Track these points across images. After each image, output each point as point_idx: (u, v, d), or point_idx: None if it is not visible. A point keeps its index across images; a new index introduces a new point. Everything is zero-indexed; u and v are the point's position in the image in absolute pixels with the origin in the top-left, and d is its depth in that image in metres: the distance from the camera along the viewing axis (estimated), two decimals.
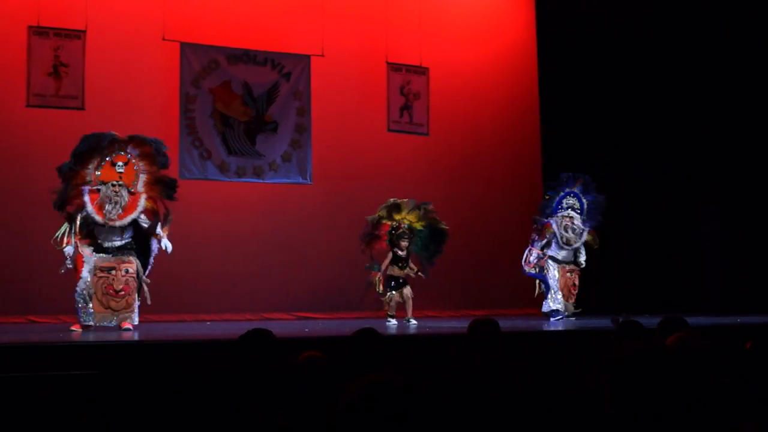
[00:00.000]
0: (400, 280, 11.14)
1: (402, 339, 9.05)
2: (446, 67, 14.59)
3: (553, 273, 12.32)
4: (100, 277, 9.17)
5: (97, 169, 9.36)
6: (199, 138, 12.86)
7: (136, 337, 9.05)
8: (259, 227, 13.37)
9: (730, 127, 15.28)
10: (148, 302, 9.73)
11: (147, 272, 9.72)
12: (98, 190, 9.22)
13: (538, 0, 15.66)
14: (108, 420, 2.73)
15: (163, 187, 9.73)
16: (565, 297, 12.32)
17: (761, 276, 14.62)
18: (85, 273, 9.19)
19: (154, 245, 9.67)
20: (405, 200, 11.46)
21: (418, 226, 11.42)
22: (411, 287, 11.14)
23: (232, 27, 13.43)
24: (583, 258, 12.46)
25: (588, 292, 14.39)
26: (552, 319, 12.19)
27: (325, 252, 12.84)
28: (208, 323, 12.18)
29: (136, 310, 9.50)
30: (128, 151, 9.50)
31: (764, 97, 14.79)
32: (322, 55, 13.42)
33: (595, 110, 15.35)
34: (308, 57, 13.48)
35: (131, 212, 9.31)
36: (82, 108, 11.99)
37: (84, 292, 9.17)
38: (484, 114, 15.06)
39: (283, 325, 11.61)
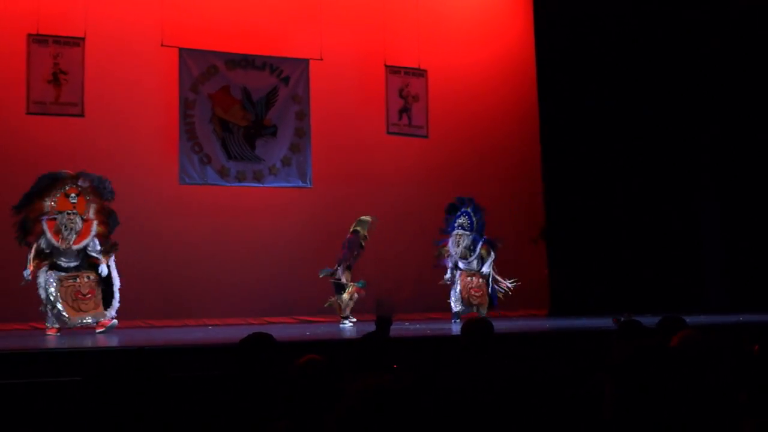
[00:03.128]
0: (345, 285, 12.14)
1: (402, 341, 9.04)
2: (445, 70, 14.61)
3: (456, 279, 13.13)
4: (67, 286, 10.34)
5: (52, 200, 10.50)
6: (198, 143, 12.88)
7: (116, 341, 9.51)
8: (260, 231, 13.40)
9: (729, 124, 15.30)
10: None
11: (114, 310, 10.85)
12: (55, 219, 10.38)
13: (536, 2, 15.68)
14: (105, 426, 2.73)
15: (108, 216, 10.89)
16: (466, 301, 13.05)
17: (762, 274, 14.63)
18: (42, 292, 10.31)
19: (111, 272, 10.81)
20: (366, 217, 12.58)
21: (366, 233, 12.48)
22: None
23: (230, 32, 13.46)
24: (485, 269, 13.20)
25: (588, 291, 14.44)
26: (453, 320, 12.98)
27: (326, 255, 12.82)
28: (211, 327, 12.20)
29: (110, 308, 10.70)
30: (79, 184, 10.71)
31: (766, 95, 14.81)
32: (321, 59, 13.44)
33: (594, 111, 15.36)
34: (307, 61, 13.50)
35: (86, 237, 10.53)
36: (81, 115, 12.01)
37: (45, 306, 10.30)
38: (483, 116, 15.08)
39: (285, 328, 11.64)
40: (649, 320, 5.57)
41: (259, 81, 13.38)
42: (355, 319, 12.08)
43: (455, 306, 13.03)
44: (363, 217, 12.57)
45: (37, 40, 11.81)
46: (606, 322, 10.06)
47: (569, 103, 15.40)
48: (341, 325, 11.99)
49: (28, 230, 10.48)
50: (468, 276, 13.10)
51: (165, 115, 13.02)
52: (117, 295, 10.87)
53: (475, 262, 13.17)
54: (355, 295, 12.17)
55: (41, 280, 10.35)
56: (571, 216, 15.17)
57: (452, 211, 13.38)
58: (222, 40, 13.32)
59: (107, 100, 12.68)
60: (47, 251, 10.42)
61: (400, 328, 11.03)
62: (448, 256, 13.22)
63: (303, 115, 13.51)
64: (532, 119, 15.50)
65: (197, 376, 6.45)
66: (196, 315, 12.80)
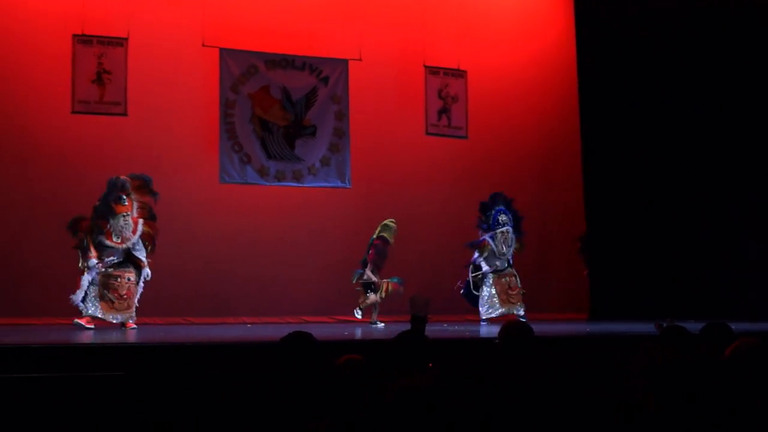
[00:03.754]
0: (376, 286, 12.28)
1: (439, 342, 9.04)
2: (484, 70, 14.56)
3: (489, 281, 13.07)
4: (110, 283, 10.85)
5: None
6: (238, 143, 12.95)
7: (134, 337, 9.75)
8: (299, 231, 13.45)
9: None
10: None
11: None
12: (107, 220, 10.92)
13: (577, 1, 15.58)
14: (146, 421, 2.77)
15: (149, 214, 11.37)
16: (503, 302, 13.02)
17: None
18: (84, 282, 10.75)
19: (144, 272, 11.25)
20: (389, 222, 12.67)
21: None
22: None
23: (270, 32, 13.52)
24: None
25: (629, 295, 14.31)
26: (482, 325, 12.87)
27: (364, 255, 12.84)
28: (249, 326, 12.27)
29: (134, 312, 11.05)
30: (126, 186, 11.17)
31: None
32: (360, 60, 13.46)
33: (637, 111, 15.18)
34: (346, 61, 13.53)
35: (133, 236, 11.06)
36: (124, 114, 12.14)
37: (79, 297, 10.69)
38: (523, 116, 15.02)
39: (323, 328, 11.67)
40: (692, 326, 5.51)
41: (299, 81, 13.42)
42: (381, 324, 12.15)
43: (492, 311, 12.96)
44: (389, 223, 12.60)
45: (82, 40, 11.96)
46: (647, 327, 9.99)
47: (611, 103, 15.26)
48: (372, 326, 12.12)
49: (80, 226, 10.94)
50: (502, 278, 13.07)
51: (206, 114, 13.11)
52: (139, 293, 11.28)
53: (503, 260, 13.14)
54: (392, 291, 12.26)
55: (84, 282, 10.75)
56: (612, 218, 15.06)
57: (487, 209, 13.29)
58: (262, 40, 13.39)
59: (150, 100, 12.79)
60: (98, 249, 10.89)
61: (438, 329, 11.03)
62: (481, 254, 13.12)
63: (342, 116, 13.54)
64: (572, 120, 15.40)
65: (236, 374, 6.49)
66: (234, 313, 12.87)
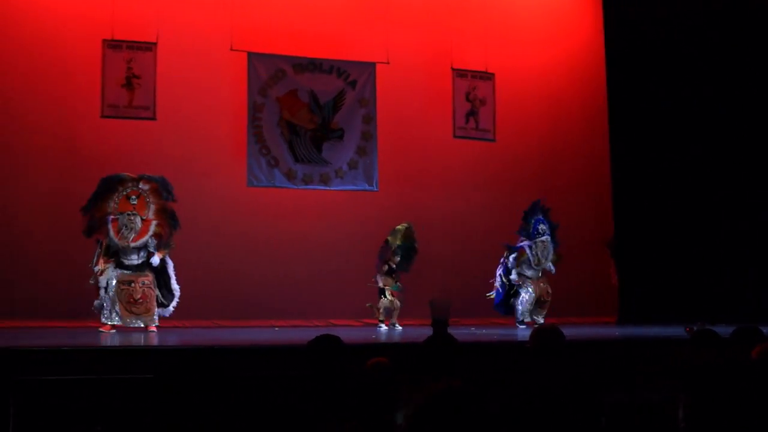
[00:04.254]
0: (392, 287, 12.26)
1: (468, 346, 9.01)
2: (512, 72, 14.53)
3: (528, 287, 13.01)
4: (122, 289, 10.86)
5: (115, 202, 11.01)
6: (266, 146, 12.99)
7: (156, 340, 9.88)
8: (326, 234, 13.46)
9: None
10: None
11: (174, 301, 11.42)
12: (117, 219, 10.92)
13: (606, 2, 15.49)
14: (175, 423, 2.77)
15: (168, 216, 11.30)
16: (542, 306, 13.09)
17: None
18: (100, 296, 10.85)
19: (168, 270, 11.37)
20: (402, 226, 12.60)
21: (399, 242, 12.47)
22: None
23: (298, 36, 13.56)
24: (553, 269, 13.20)
25: (659, 299, 14.19)
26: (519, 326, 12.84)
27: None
28: (277, 329, 12.29)
29: (156, 314, 11.06)
30: (139, 187, 11.15)
31: None
32: (388, 63, 13.47)
33: (666, 113, 15.04)
34: (373, 64, 13.54)
35: (144, 235, 11.02)
36: (153, 118, 12.22)
37: (101, 302, 10.82)
38: (551, 119, 14.96)
39: (350, 331, 11.66)
40: (723, 330, 5.46)
41: (327, 84, 13.45)
42: (384, 327, 12.20)
43: (525, 316, 12.93)
44: (397, 227, 12.59)
45: (112, 45, 12.05)
46: (678, 330, 9.92)
47: (639, 104, 15.13)
48: (377, 329, 12.10)
49: (94, 229, 10.99)
50: (542, 282, 13.07)
51: (234, 118, 13.16)
52: (176, 294, 11.37)
53: (539, 270, 13.09)
54: (395, 300, 12.31)
55: (103, 277, 10.86)
56: (642, 221, 14.95)
57: (528, 216, 13.22)
58: (290, 44, 13.42)
59: (178, 104, 12.86)
60: (113, 249, 10.95)
61: (466, 332, 11.00)
62: (516, 259, 13.03)
63: (370, 119, 13.55)
64: (601, 122, 15.33)
65: (264, 377, 6.50)
66: (262, 316, 12.89)
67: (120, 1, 12.45)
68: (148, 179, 11.24)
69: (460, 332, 10.62)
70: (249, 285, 13.01)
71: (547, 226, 13.13)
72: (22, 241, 12.18)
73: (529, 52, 14.94)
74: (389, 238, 12.46)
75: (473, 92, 13.79)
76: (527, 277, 13.02)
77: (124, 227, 10.89)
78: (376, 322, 12.47)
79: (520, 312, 12.93)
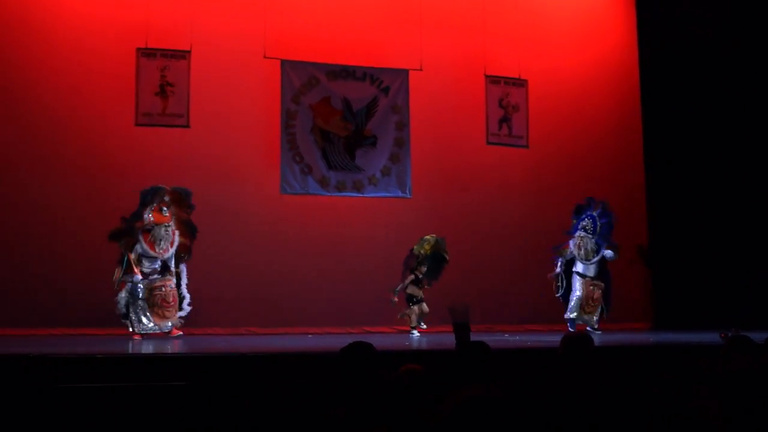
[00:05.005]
0: (419, 298, 12.48)
1: (500, 352, 8.98)
2: (545, 78, 14.48)
3: (576, 286, 13.00)
4: (156, 294, 11.14)
5: (149, 213, 11.25)
6: (299, 153, 13.03)
7: (180, 346, 9.99)
8: (359, 241, 13.48)
9: None
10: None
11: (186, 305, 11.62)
12: (149, 230, 11.16)
13: (639, 4, 15.41)
14: (210, 429, 2.79)
15: (188, 227, 11.59)
16: (584, 309, 13.04)
17: None
18: (123, 294, 11.09)
19: (181, 280, 11.61)
20: (431, 237, 12.70)
21: (429, 253, 12.62)
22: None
23: (331, 44, 13.61)
24: (608, 255, 13.16)
25: (693, 305, 14.07)
26: (569, 327, 12.89)
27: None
28: (310, 336, 12.32)
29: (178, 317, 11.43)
30: (166, 198, 11.42)
31: None
32: (421, 69, 13.47)
33: (701, 117, 14.93)
34: (406, 71, 13.55)
35: (172, 246, 11.39)
36: (187, 126, 12.30)
37: (123, 308, 11.07)
38: (585, 125, 14.90)
39: (384, 338, 11.68)
40: (758, 336, 5.41)
41: (360, 92, 13.47)
42: (417, 333, 12.35)
43: (571, 313, 12.96)
44: (425, 237, 12.69)
45: (146, 53, 12.15)
46: (712, 336, 9.83)
47: (674, 108, 15.02)
48: (410, 335, 12.28)
49: (122, 237, 11.20)
50: (590, 285, 13.04)
51: (267, 125, 13.22)
52: (187, 299, 11.57)
53: (594, 267, 13.06)
54: (424, 305, 12.52)
55: (129, 286, 11.11)
56: (676, 226, 14.83)
57: (578, 212, 13.28)
58: (323, 51, 13.47)
59: (212, 111, 12.94)
60: (137, 259, 11.21)
61: (499, 339, 10.97)
62: (562, 256, 13.11)
63: (402, 126, 13.55)
64: (635, 127, 15.23)
65: (298, 384, 6.51)
66: (296, 323, 12.92)
67: (154, 9, 12.54)
68: (173, 190, 11.53)
69: (493, 338, 10.61)
70: (282, 292, 13.06)
71: (594, 223, 13.10)
72: (57, 248, 12.29)
73: (562, 57, 14.89)
74: (415, 246, 12.59)
75: (506, 99, 13.76)
76: (579, 275, 13.03)
77: (161, 239, 11.20)
78: (409, 328, 12.47)
79: (569, 308, 12.98)
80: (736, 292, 14.24)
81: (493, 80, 13.74)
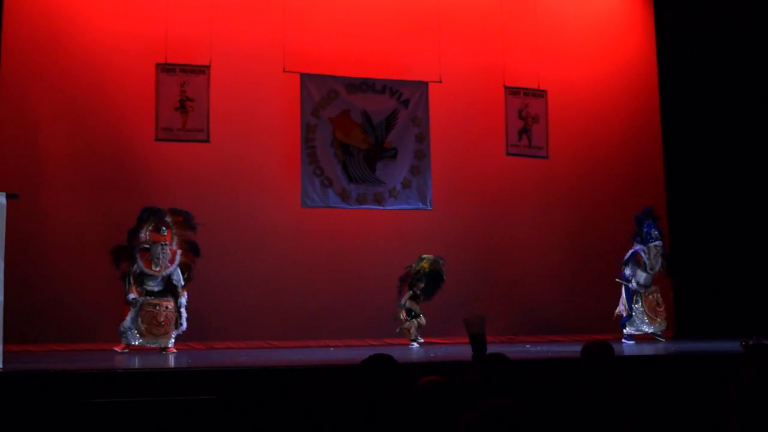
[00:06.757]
0: (417, 312, 12.77)
1: (521, 363, 8.97)
2: (564, 88, 14.45)
3: (639, 298, 13.09)
4: (147, 311, 11.36)
5: (146, 233, 11.49)
6: (320, 167, 13.06)
7: (172, 362, 10.10)
8: (381, 253, 13.48)
9: None
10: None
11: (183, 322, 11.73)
12: (147, 249, 11.40)
13: (657, 12, 15.36)
14: None
15: (191, 247, 11.79)
16: (651, 319, 13.07)
17: None
18: (129, 317, 11.32)
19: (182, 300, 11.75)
20: (429, 255, 12.90)
21: (428, 270, 12.83)
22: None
23: (350, 57, 13.64)
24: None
25: (714, 313, 13.98)
26: (624, 341, 13.00)
27: (447, 277, 12.84)
28: (332, 349, 12.33)
29: (173, 337, 11.50)
30: (166, 219, 11.61)
31: None
32: (440, 81, 13.49)
33: (721, 126, 14.84)
34: (426, 83, 13.57)
35: (171, 265, 11.55)
36: (207, 141, 12.35)
37: (127, 329, 11.30)
38: (605, 135, 14.85)
39: (406, 350, 11.68)
40: None
41: (379, 104, 13.49)
42: (416, 345, 12.56)
43: (633, 329, 13.03)
44: (423, 255, 12.89)
45: (166, 69, 12.22)
46: (733, 345, 9.77)
47: (693, 116, 14.93)
48: (410, 347, 12.43)
49: (122, 256, 11.46)
50: (650, 294, 13.11)
51: (287, 139, 13.26)
52: (183, 315, 11.66)
53: (650, 276, 13.14)
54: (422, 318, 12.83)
55: (129, 317, 11.33)
56: (697, 235, 14.74)
57: (642, 222, 13.29)
58: (342, 64, 13.50)
59: (232, 126, 12.99)
60: (139, 278, 11.46)
61: (521, 350, 10.95)
62: (632, 268, 13.14)
63: (423, 138, 13.56)
64: (654, 135, 15.16)
65: (319, 397, 6.52)
66: (317, 336, 12.94)
67: (173, 24, 12.60)
68: (173, 212, 11.71)
69: (514, 350, 10.61)
70: (304, 305, 13.08)
71: (658, 232, 13.22)
72: (76, 262, 12.34)
73: (580, 66, 14.86)
74: (413, 264, 12.82)
75: (526, 110, 13.75)
76: (640, 285, 13.08)
77: (158, 258, 11.40)
78: (430, 340, 12.53)
79: (633, 321, 13.03)
80: (758, 300, 14.14)
81: (512, 91, 13.74)
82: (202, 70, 12.32)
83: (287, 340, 12.72)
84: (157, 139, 12.25)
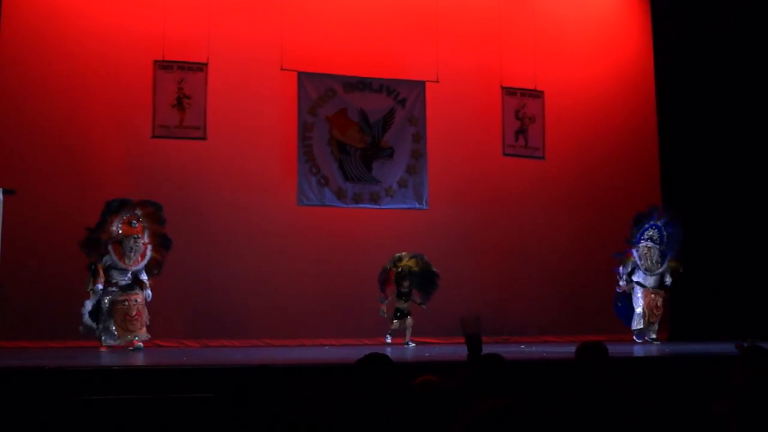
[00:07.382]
0: (403, 311, 12.59)
1: (516, 364, 8.97)
2: (561, 89, 14.47)
3: (638, 296, 13.08)
4: (118, 308, 11.27)
5: (118, 225, 11.41)
6: (316, 165, 13.06)
7: (141, 359, 9.97)
8: (376, 252, 13.45)
9: None
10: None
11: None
12: (119, 242, 11.31)
13: (654, 13, 15.38)
14: None
15: (162, 241, 11.70)
16: (648, 319, 13.08)
17: None
18: (88, 303, 11.25)
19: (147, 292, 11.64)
20: (405, 253, 12.81)
21: (416, 270, 12.69)
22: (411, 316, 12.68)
23: (347, 56, 13.65)
24: (668, 281, 13.31)
25: (709, 316, 14.00)
26: (636, 338, 13.15)
27: (442, 277, 12.84)
28: (327, 347, 12.33)
29: (145, 329, 11.45)
30: (136, 212, 11.52)
31: None
32: (437, 81, 13.50)
33: (718, 128, 14.85)
34: (423, 83, 13.57)
35: (143, 259, 11.50)
36: (204, 138, 12.35)
37: (86, 316, 11.21)
38: (601, 136, 14.87)
39: (401, 349, 11.67)
40: None
41: (376, 103, 13.49)
42: (412, 344, 12.50)
43: (637, 323, 13.04)
44: (397, 254, 12.84)
45: (163, 66, 12.22)
46: (728, 347, 9.78)
47: (690, 118, 14.93)
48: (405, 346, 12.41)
49: (93, 248, 11.35)
50: (651, 293, 13.11)
51: (284, 137, 13.26)
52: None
53: (656, 278, 13.16)
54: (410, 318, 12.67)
55: (92, 299, 11.29)
56: (692, 237, 14.74)
57: (639, 222, 13.30)
58: (340, 63, 13.50)
59: (229, 123, 12.99)
60: (107, 270, 11.39)
61: (515, 350, 10.96)
62: (624, 265, 13.20)
63: (419, 137, 13.56)
64: (651, 137, 15.18)
65: (314, 396, 6.52)
66: (312, 334, 12.94)
67: (171, 22, 12.60)
68: (144, 204, 11.63)
69: (509, 350, 10.60)
70: (299, 304, 13.08)
71: (665, 233, 13.20)
72: (72, 259, 12.30)
73: (577, 67, 14.88)
74: (387, 264, 12.75)
75: (522, 110, 13.77)
76: (640, 285, 13.11)
77: (130, 251, 11.35)
78: (425, 340, 12.53)
79: (635, 319, 13.07)
80: (753, 302, 14.16)
81: (509, 92, 13.76)
82: (200, 67, 12.33)
83: (282, 339, 12.72)
84: (153, 136, 12.26)
